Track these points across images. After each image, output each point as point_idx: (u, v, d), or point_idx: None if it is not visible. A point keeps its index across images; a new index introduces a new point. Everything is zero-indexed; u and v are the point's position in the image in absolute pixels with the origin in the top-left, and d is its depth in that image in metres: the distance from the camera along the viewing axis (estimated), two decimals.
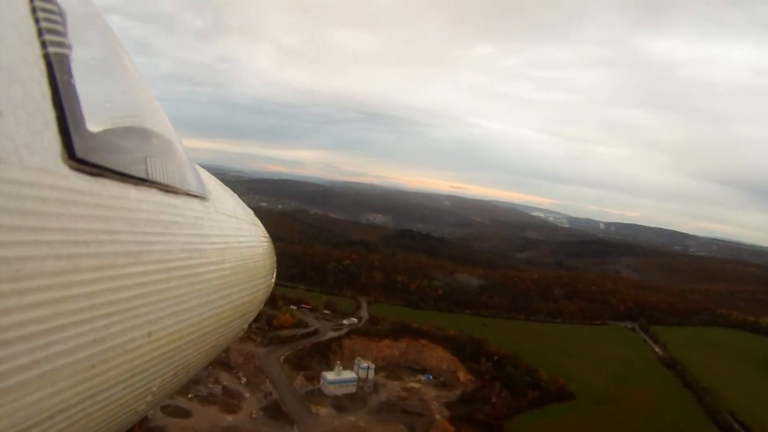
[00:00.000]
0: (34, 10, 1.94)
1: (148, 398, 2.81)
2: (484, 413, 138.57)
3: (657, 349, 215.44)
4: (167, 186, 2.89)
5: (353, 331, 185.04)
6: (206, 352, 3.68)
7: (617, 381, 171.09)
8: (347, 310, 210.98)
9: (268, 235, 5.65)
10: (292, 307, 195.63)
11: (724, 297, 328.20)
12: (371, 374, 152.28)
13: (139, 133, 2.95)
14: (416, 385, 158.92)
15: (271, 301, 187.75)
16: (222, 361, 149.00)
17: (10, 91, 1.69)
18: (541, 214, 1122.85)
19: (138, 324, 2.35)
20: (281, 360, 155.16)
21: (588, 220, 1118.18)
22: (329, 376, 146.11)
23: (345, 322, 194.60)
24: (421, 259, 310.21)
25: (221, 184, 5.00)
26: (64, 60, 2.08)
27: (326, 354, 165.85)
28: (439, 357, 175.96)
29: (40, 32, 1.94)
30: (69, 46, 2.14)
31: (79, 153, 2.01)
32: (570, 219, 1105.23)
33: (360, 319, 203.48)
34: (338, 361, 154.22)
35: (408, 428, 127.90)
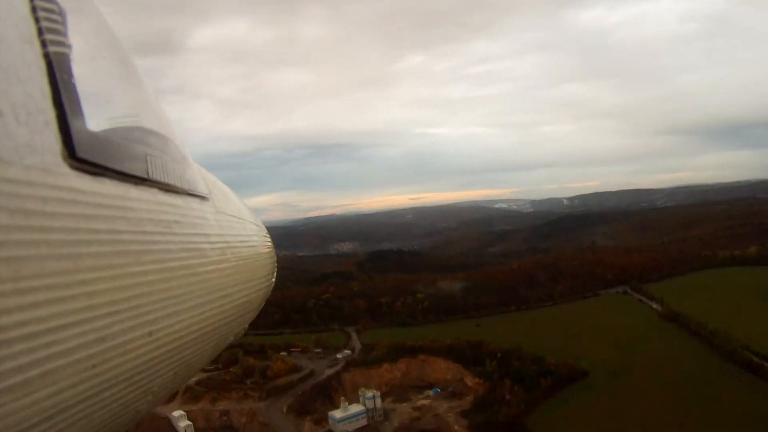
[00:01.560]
0: (34, 10, 1.95)
1: (149, 398, 2.82)
2: (502, 414, 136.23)
3: (655, 306, 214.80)
4: (168, 185, 2.90)
5: (349, 364, 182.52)
6: (207, 351, 3.71)
7: (625, 348, 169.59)
8: (338, 344, 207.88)
9: (268, 235, 5.71)
10: (282, 353, 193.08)
11: (704, 240, 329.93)
12: (378, 402, 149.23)
13: (140, 133, 2.98)
14: (426, 402, 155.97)
15: (261, 352, 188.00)
16: (225, 425, 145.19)
17: (10, 91, 1.69)
18: (504, 205, 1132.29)
19: (139, 323, 2.35)
20: (284, 410, 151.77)
21: (551, 199, 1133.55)
22: (336, 414, 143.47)
23: (339, 356, 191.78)
24: (399, 276, 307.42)
25: (222, 183, 4.95)
26: (65, 59, 2.08)
27: (328, 393, 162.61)
28: (442, 368, 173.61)
29: (40, 31, 1.94)
30: (69, 46, 2.14)
31: (80, 152, 2.01)
32: (533, 202, 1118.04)
33: (353, 350, 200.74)
34: (342, 397, 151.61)
35: None
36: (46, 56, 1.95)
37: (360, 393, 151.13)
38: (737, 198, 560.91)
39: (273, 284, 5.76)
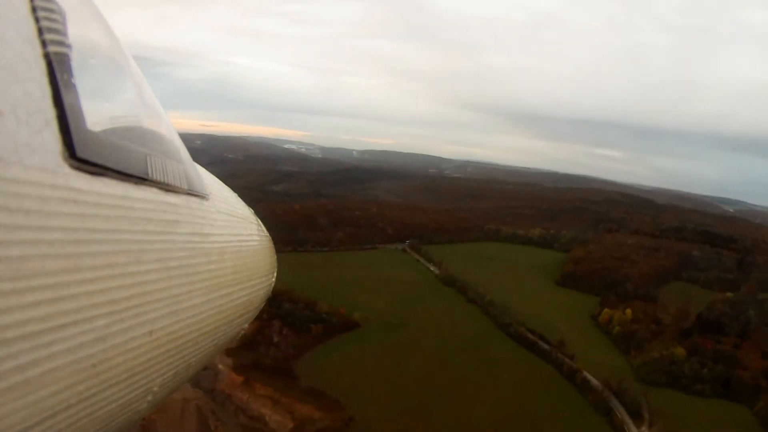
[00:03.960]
0: (34, 10, 1.97)
1: (149, 397, 2.87)
2: (270, 356, 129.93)
3: (433, 269, 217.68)
4: (167, 185, 2.95)
5: None
6: (207, 350, 3.80)
7: (401, 304, 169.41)
8: None
9: (268, 234, 5.93)
10: None
11: (489, 213, 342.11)
12: None
13: (140, 132, 3.05)
14: None
15: None
16: None
17: (10, 91, 1.71)
18: (294, 146, 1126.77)
19: (139, 323, 2.39)
20: None
21: (341, 149, 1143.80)
22: None
23: None
24: None
25: (221, 183, 5.19)
26: (65, 59, 2.11)
27: None
28: None
29: (40, 31, 1.97)
30: (69, 46, 2.17)
31: (80, 152, 2.04)
32: (323, 149, 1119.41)
33: None
34: None
35: (192, 385, 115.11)
36: (46, 56, 1.97)
37: None
38: (526, 182, 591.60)
39: (273, 284, 5.80)
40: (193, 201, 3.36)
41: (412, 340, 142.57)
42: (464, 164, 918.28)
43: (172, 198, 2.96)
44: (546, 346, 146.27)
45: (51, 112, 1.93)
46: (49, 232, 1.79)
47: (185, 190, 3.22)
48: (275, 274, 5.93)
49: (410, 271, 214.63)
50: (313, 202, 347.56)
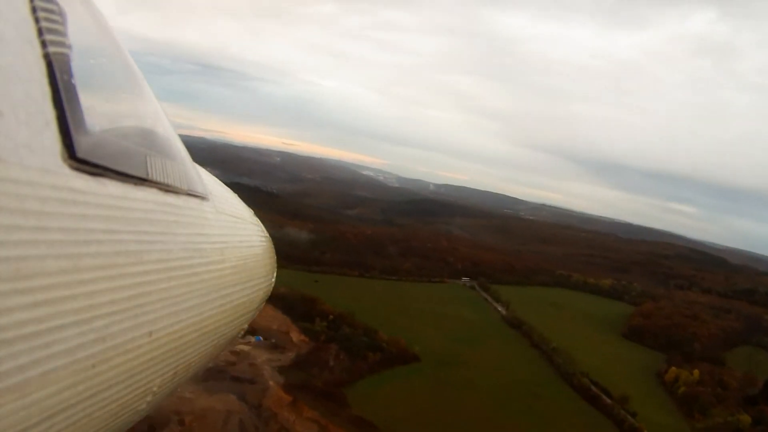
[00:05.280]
0: (34, 10, 1.97)
1: (149, 398, 2.88)
2: (322, 379, 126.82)
3: (500, 309, 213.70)
4: (167, 185, 2.96)
5: None
6: (207, 351, 3.81)
7: (461, 342, 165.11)
8: None
9: (268, 235, 5.89)
10: None
11: (560, 259, 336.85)
12: None
13: (140, 133, 3.07)
14: (246, 348, 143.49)
15: None
16: None
17: (10, 91, 1.72)
18: (372, 173, 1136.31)
19: (138, 323, 2.40)
20: None
21: (418, 181, 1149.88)
22: None
23: None
24: None
25: (221, 183, 5.20)
26: (65, 60, 2.12)
27: None
28: (269, 316, 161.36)
29: (40, 32, 1.97)
30: (69, 46, 2.18)
31: (80, 153, 2.05)
32: (400, 179, 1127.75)
33: None
34: None
35: (239, 398, 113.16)
36: (46, 56, 1.97)
37: None
38: (599, 231, 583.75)
39: (273, 284, 5.77)
40: (193, 201, 3.37)
41: (469, 380, 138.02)
42: (539, 207, 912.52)
43: (172, 198, 2.96)
44: (608, 401, 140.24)
45: (51, 113, 1.94)
46: (49, 233, 1.79)
47: (185, 190, 3.22)
48: (275, 275, 5.81)
49: (475, 308, 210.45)
50: (385, 229, 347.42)
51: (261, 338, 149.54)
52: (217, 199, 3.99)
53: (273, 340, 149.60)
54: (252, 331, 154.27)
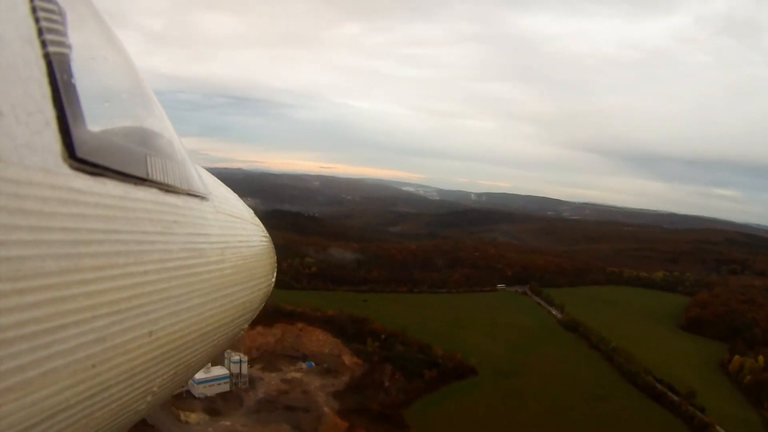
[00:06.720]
0: (34, 10, 1.98)
1: (149, 398, 2.89)
2: (378, 401, 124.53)
3: (555, 312, 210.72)
4: (167, 185, 2.96)
5: None
6: (207, 351, 3.81)
7: (519, 349, 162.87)
8: None
9: (268, 235, 5.83)
10: None
11: (609, 256, 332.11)
12: (245, 368, 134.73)
13: (140, 133, 3.06)
14: (297, 375, 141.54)
15: None
16: None
17: (10, 91, 1.72)
18: (412, 189, 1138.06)
19: (138, 323, 2.40)
20: None
21: (459, 192, 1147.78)
22: (197, 374, 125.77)
23: None
24: (290, 236, 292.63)
25: (222, 183, 5.16)
26: (65, 59, 2.12)
27: None
28: (319, 340, 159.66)
29: (40, 32, 1.97)
30: (69, 46, 2.18)
31: (80, 152, 2.05)
32: (441, 192, 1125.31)
33: None
34: None
35: (293, 428, 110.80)
36: (46, 56, 1.98)
37: (225, 355, 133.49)
38: (645, 224, 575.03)
39: (273, 284, 5.68)
40: (193, 201, 3.35)
41: (530, 389, 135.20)
42: (582, 206, 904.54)
43: (172, 198, 2.95)
44: (675, 398, 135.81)
45: (51, 113, 1.94)
46: (49, 233, 1.80)
47: (185, 190, 3.21)
48: (275, 275, 5.70)
49: (529, 314, 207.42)
50: (430, 242, 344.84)
51: (312, 363, 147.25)
52: (217, 199, 3.97)
53: (325, 365, 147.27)
54: (303, 356, 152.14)
